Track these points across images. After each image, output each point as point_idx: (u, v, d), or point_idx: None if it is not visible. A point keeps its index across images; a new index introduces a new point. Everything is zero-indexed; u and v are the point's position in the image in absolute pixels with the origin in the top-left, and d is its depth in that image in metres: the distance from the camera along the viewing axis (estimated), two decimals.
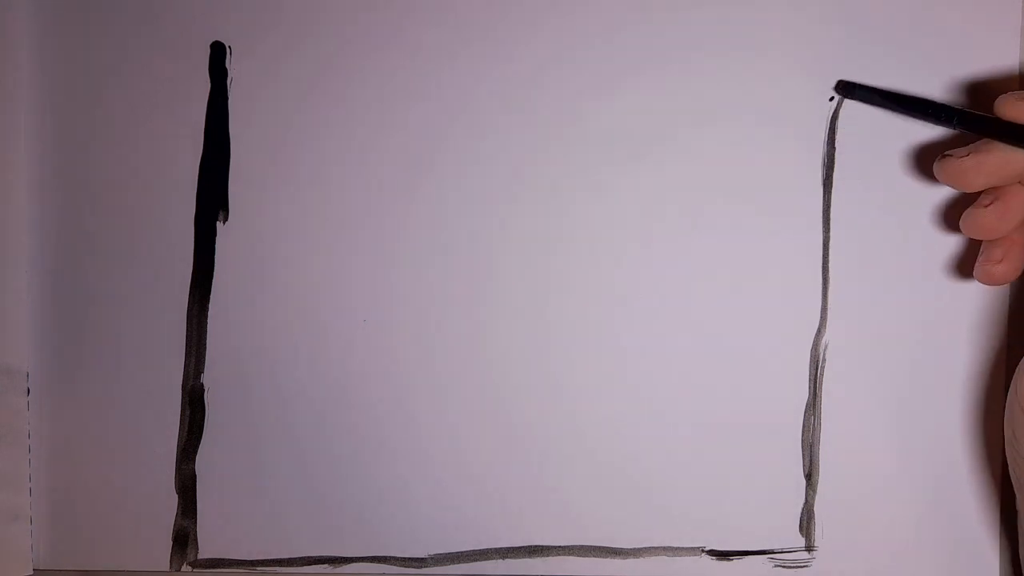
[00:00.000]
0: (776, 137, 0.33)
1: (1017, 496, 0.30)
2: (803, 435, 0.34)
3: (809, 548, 0.34)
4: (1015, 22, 0.33)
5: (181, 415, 0.34)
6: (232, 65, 0.33)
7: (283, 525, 0.34)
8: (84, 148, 0.33)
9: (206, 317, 0.33)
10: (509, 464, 0.34)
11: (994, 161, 0.28)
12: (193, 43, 0.33)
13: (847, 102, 0.33)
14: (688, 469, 0.34)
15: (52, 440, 0.34)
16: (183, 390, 0.34)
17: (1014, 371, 0.29)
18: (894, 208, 0.33)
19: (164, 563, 0.34)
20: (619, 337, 0.33)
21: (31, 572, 0.34)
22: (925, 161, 0.33)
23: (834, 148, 0.33)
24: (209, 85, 0.33)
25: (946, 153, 0.29)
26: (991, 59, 0.33)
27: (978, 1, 0.33)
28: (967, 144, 0.29)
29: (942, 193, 0.33)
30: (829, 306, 0.33)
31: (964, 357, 0.33)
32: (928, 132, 0.33)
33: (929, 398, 0.33)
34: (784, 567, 0.34)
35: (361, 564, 0.34)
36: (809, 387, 0.33)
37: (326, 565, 0.34)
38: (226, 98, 0.33)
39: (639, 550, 0.34)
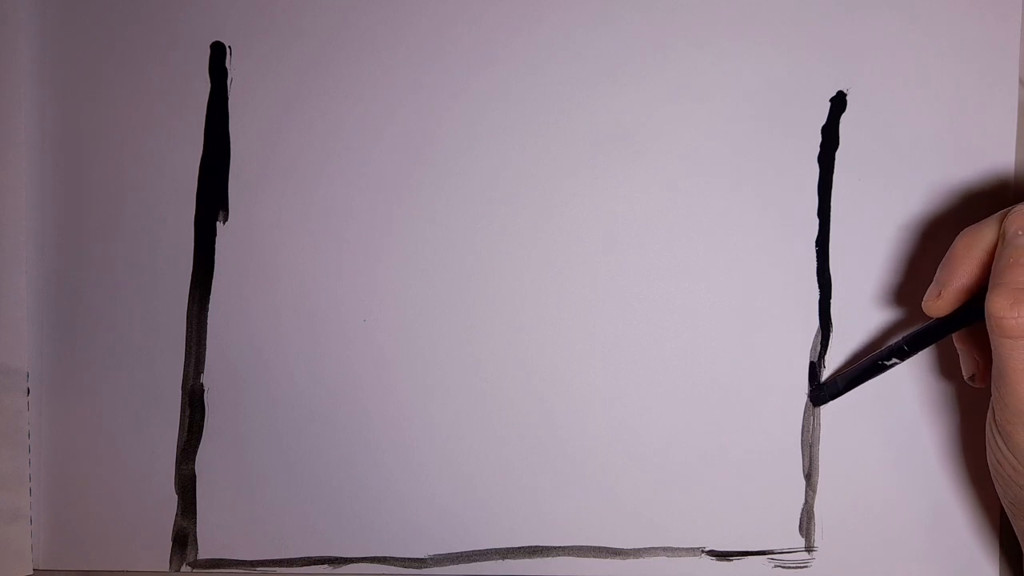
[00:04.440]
0: (776, 137, 0.33)
1: (1012, 522, 0.30)
2: (803, 435, 0.34)
3: (809, 548, 0.34)
4: (1015, 23, 0.33)
5: (181, 415, 0.34)
6: (232, 65, 0.33)
7: (283, 525, 0.34)
8: (84, 148, 0.33)
9: (206, 317, 0.33)
10: (509, 465, 0.34)
11: (958, 281, 0.29)
12: (193, 43, 0.33)
13: (848, 103, 0.33)
14: (688, 469, 0.34)
15: (52, 440, 0.34)
16: (183, 390, 0.34)
17: None
18: (894, 208, 0.33)
19: (164, 563, 0.34)
20: (619, 338, 0.33)
21: (31, 572, 0.34)
22: (925, 162, 0.33)
23: (834, 148, 0.33)
24: (209, 85, 0.33)
25: (924, 303, 0.30)
26: (991, 60, 0.33)
27: (978, 3, 0.33)
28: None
29: (941, 194, 0.33)
30: (829, 305, 0.33)
31: None
32: (928, 133, 0.33)
33: (929, 398, 0.33)
34: (784, 567, 0.34)
35: (361, 564, 0.34)
36: (809, 387, 0.34)
37: (326, 565, 0.34)
38: (226, 98, 0.33)
39: (639, 550, 0.34)
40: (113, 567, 0.34)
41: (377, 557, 0.34)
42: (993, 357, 0.27)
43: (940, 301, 0.29)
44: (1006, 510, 0.30)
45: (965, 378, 0.31)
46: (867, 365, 0.31)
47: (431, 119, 0.33)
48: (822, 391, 0.33)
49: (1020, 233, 0.27)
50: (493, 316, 0.33)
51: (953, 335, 0.30)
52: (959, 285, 0.29)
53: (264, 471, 0.34)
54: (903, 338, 0.30)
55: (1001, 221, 0.28)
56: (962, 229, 0.29)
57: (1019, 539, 0.30)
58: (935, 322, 0.30)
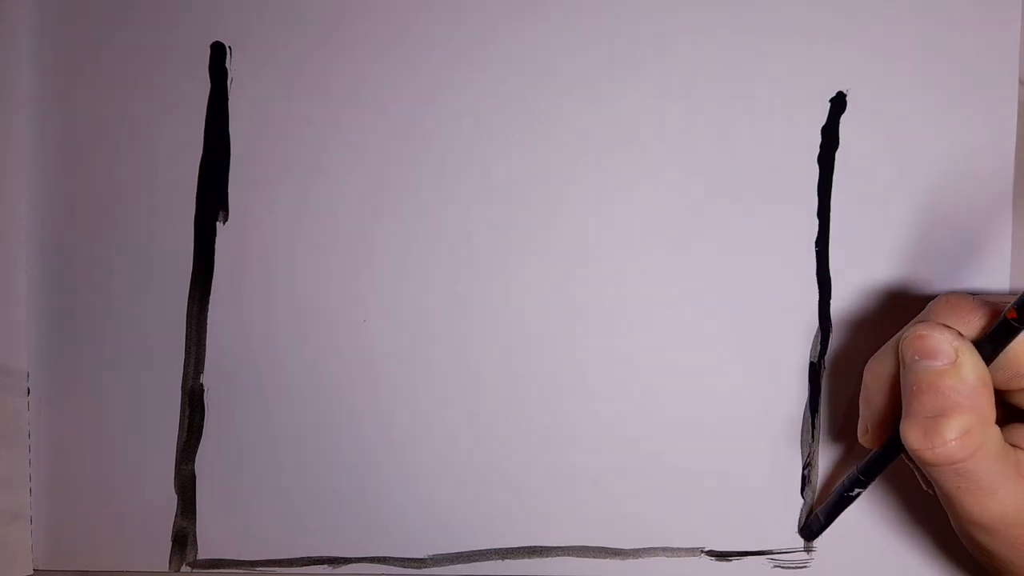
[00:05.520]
0: (776, 137, 0.33)
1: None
2: (803, 435, 0.34)
3: (808, 548, 0.34)
4: (1015, 22, 0.33)
5: (181, 415, 0.34)
6: (232, 65, 0.33)
7: (282, 525, 0.34)
8: (84, 148, 0.33)
9: (206, 317, 0.33)
10: (509, 465, 0.34)
11: (876, 415, 0.29)
12: (193, 43, 0.33)
13: (848, 103, 0.33)
14: (688, 469, 0.34)
15: (52, 440, 0.34)
16: (183, 390, 0.34)
17: None
18: (894, 208, 0.33)
19: (163, 563, 0.34)
20: (618, 337, 0.33)
21: (31, 572, 0.34)
22: (925, 162, 0.33)
23: (835, 148, 0.33)
24: (209, 85, 0.33)
25: (859, 437, 0.30)
26: (991, 60, 0.33)
27: (978, 3, 0.33)
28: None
29: (940, 195, 0.33)
30: (829, 305, 0.33)
31: None
32: (928, 133, 0.33)
33: None
34: (783, 567, 0.34)
35: (361, 564, 0.34)
36: (809, 387, 0.34)
37: (326, 565, 0.34)
38: (226, 98, 0.33)
39: (639, 550, 0.34)
40: (113, 567, 0.34)
41: (377, 557, 0.34)
42: (929, 477, 0.27)
43: (868, 435, 0.30)
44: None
45: (925, 490, 0.31)
46: (835, 499, 0.32)
47: (432, 119, 0.33)
48: (810, 528, 0.33)
49: (916, 358, 0.26)
50: (494, 316, 0.33)
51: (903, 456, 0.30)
52: (878, 418, 0.29)
53: (264, 471, 0.34)
54: (858, 468, 0.31)
55: (897, 347, 0.27)
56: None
57: None
58: (877, 453, 0.30)
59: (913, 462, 0.30)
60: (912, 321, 0.28)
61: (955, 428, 0.25)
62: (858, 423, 0.30)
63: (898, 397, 0.28)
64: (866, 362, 0.29)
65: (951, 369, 0.26)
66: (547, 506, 0.34)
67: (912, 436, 0.26)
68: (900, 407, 0.27)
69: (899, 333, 0.28)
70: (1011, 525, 0.26)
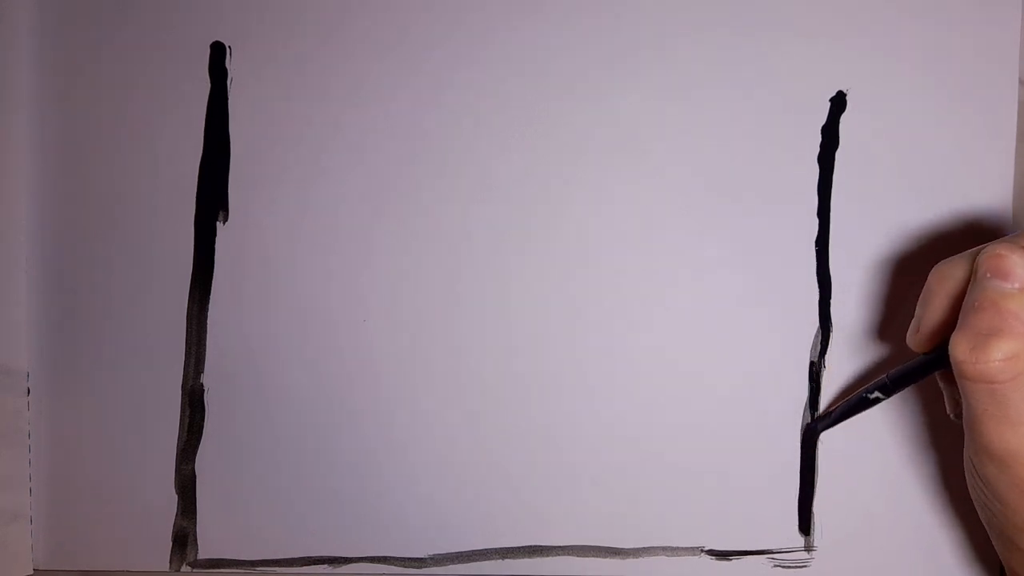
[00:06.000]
0: (776, 137, 0.33)
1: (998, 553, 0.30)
2: (803, 435, 0.34)
3: (808, 548, 0.34)
4: (1015, 22, 0.33)
5: (181, 415, 0.34)
6: (232, 65, 0.33)
7: (283, 525, 0.34)
8: (84, 148, 0.33)
9: (206, 317, 0.33)
10: (509, 465, 0.34)
11: (932, 318, 0.29)
12: (193, 43, 0.33)
13: (848, 103, 0.33)
14: (688, 469, 0.34)
15: (52, 440, 0.34)
16: (183, 390, 0.34)
17: None
18: (894, 208, 0.33)
19: (164, 563, 0.34)
20: (619, 337, 0.33)
21: (31, 572, 0.34)
22: (925, 162, 0.33)
23: (834, 148, 0.33)
24: (209, 85, 0.33)
25: (907, 336, 0.30)
26: (991, 60, 0.33)
27: (978, 3, 0.33)
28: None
29: (940, 195, 0.33)
30: (829, 305, 0.33)
31: None
32: (928, 133, 0.33)
33: (929, 397, 0.33)
34: (783, 567, 0.34)
35: (361, 564, 0.34)
36: (809, 386, 0.34)
37: (326, 565, 0.34)
38: (226, 98, 0.33)
39: (639, 550, 0.34)
40: (113, 567, 0.34)
41: (377, 557, 0.34)
42: (961, 395, 0.27)
43: (918, 336, 0.29)
44: (992, 541, 0.30)
45: (949, 415, 0.31)
46: (855, 400, 0.32)
47: (432, 119, 0.33)
48: (817, 424, 0.33)
49: (988, 275, 0.26)
50: (494, 316, 0.33)
51: (936, 374, 0.30)
52: (933, 322, 0.28)
53: (264, 471, 0.34)
54: (888, 374, 0.30)
55: (973, 258, 0.27)
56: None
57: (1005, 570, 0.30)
58: (917, 361, 0.29)
59: (948, 383, 0.29)
60: (1002, 238, 0.27)
61: (1003, 350, 0.25)
62: (911, 323, 0.29)
63: (957, 305, 0.27)
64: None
65: (1019, 294, 0.26)
66: (547, 506, 0.34)
67: (960, 348, 0.26)
68: (956, 316, 0.27)
69: (979, 246, 0.27)
70: (1023, 465, 0.26)
